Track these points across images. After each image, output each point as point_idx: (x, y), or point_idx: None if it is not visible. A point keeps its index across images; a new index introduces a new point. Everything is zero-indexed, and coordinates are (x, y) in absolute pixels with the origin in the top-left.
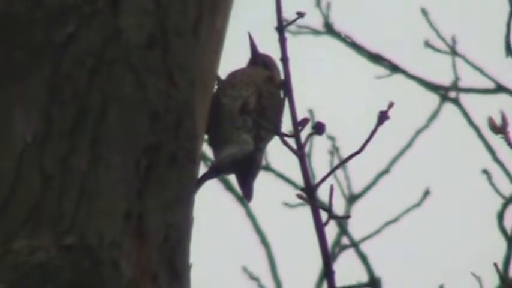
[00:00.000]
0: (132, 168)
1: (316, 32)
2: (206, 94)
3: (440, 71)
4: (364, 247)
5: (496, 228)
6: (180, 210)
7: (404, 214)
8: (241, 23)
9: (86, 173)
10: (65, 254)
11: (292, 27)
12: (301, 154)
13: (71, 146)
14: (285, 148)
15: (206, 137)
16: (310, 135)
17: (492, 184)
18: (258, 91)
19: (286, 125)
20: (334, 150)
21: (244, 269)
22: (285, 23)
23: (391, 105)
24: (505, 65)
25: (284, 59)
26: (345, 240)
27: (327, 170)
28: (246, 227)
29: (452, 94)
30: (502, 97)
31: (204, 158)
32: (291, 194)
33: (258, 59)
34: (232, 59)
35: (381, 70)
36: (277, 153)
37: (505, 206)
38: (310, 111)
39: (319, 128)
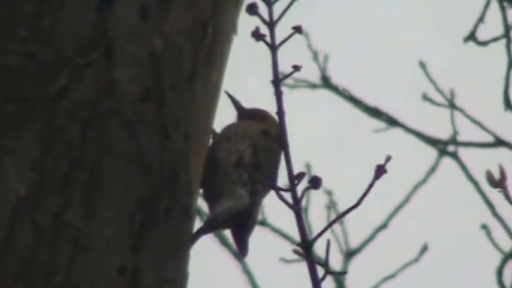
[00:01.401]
0: (127, 222)
1: (313, 86)
2: (201, 148)
3: (439, 125)
4: None
5: (495, 284)
6: (175, 265)
7: (402, 270)
8: (237, 76)
9: (79, 228)
10: None
11: (289, 81)
12: (297, 209)
13: (64, 201)
14: (281, 203)
15: (201, 191)
16: (306, 190)
17: (491, 239)
18: (253, 145)
19: (282, 179)
20: (331, 204)
21: None
22: (281, 77)
23: (388, 158)
24: (504, 118)
25: (280, 113)
26: None
27: (324, 224)
28: (242, 283)
29: (451, 148)
30: (501, 151)
31: (199, 212)
32: (288, 249)
33: (243, 115)
34: (227, 112)
35: (378, 124)
36: (273, 207)
37: (504, 261)
38: (307, 165)
39: (315, 183)
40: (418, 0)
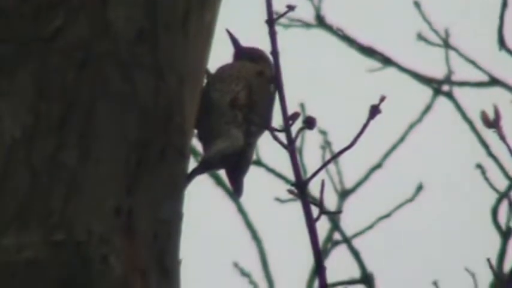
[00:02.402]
0: (122, 164)
1: (307, 25)
2: (195, 89)
3: (433, 64)
4: (357, 243)
5: (490, 223)
6: (170, 206)
7: (397, 209)
8: (231, 16)
9: (74, 169)
10: (54, 251)
11: (283, 20)
12: (291, 149)
13: (59, 142)
14: (276, 143)
15: (196, 132)
16: (301, 130)
17: (486, 179)
18: (248, 85)
19: (277, 120)
20: (326, 144)
21: (235, 265)
22: (275, 16)
23: (382, 98)
24: (498, 57)
25: (274, 53)
26: (337, 236)
27: (319, 164)
28: (237, 222)
29: (446, 87)
30: (496, 90)
31: (194, 153)
32: (282, 189)
33: (241, 54)
34: (221, 53)
35: (373, 63)
36: (267, 148)
37: (499, 201)
38: (301, 105)
39: (310, 123)
40: None
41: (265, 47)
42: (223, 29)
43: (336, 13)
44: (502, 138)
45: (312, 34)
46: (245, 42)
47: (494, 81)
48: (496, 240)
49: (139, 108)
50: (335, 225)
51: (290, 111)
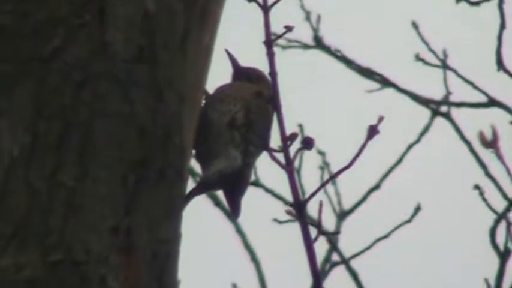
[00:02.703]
0: (120, 183)
1: (305, 46)
2: (194, 109)
3: (432, 85)
4: (355, 264)
5: (488, 244)
6: (169, 226)
7: (395, 230)
8: (230, 37)
9: (73, 188)
10: (53, 271)
11: (281, 41)
12: (290, 169)
13: (57, 161)
14: (274, 163)
15: (194, 152)
16: (299, 150)
17: (484, 199)
18: (246, 106)
19: (275, 140)
20: (324, 165)
21: (234, 286)
22: (273, 37)
23: (380, 119)
24: (496, 78)
25: (272, 74)
26: (335, 257)
27: (317, 185)
28: (235, 243)
29: (444, 108)
30: (494, 111)
31: (193, 173)
32: (281, 210)
33: (240, 74)
34: (220, 74)
35: (371, 84)
36: (266, 168)
37: (497, 221)
38: (300, 126)
39: (308, 143)
40: None
41: (264, 67)
42: (221, 49)
43: (334, 34)
44: (500, 158)
45: (310, 55)
46: (244, 62)
47: (492, 102)
48: (494, 261)
49: (138, 128)
50: (333, 246)
51: (288, 132)
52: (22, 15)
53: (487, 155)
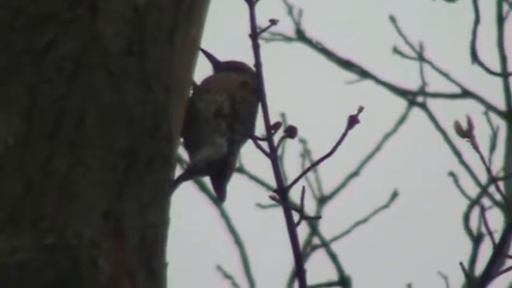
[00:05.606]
0: (110, 170)
1: (288, 39)
2: (182, 99)
3: (408, 77)
4: (335, 247)
5: (462, 228)
6: (157, 211)
7: (373, 215)
8: (216, 30)
9: (65, 175)
10: (45, 254)
11: (265, 34)
12: (273, 157)
13: (51, 150)
14: (258, 151)
15: (182, 140)
16: (282, 139)
17: (458, 186)
18: (231, 96)
19: (260, 129)
20: (306, 153)
21: (219, 268)
22: (258, 30)
23: (360, 109)
24: (470, 70)
25: (257, 65)
26: (316, 240)
27: (299, 172)
28: (220, 227)
29: (420, 99)
30: (468, 102)
31: (180, 160)
32: (264, 196)
33: (219, 69)
34: (207, 65)
35: (350, 76)
36: (250, 156)
37: (470, 207)
38: (283, 115)
39: (291, 132)
40: None
41: (249, 59)
42: (208, 42)
43: (316, 27)
44: (475, 147)
45: (292, 47)
46: (230, 55)
47: (466, 93)
48: (467, 245)
49: (128, 118)
50: (314, 230)
51: (272, 121)
52: (16, 10)
53: (461, 143)
